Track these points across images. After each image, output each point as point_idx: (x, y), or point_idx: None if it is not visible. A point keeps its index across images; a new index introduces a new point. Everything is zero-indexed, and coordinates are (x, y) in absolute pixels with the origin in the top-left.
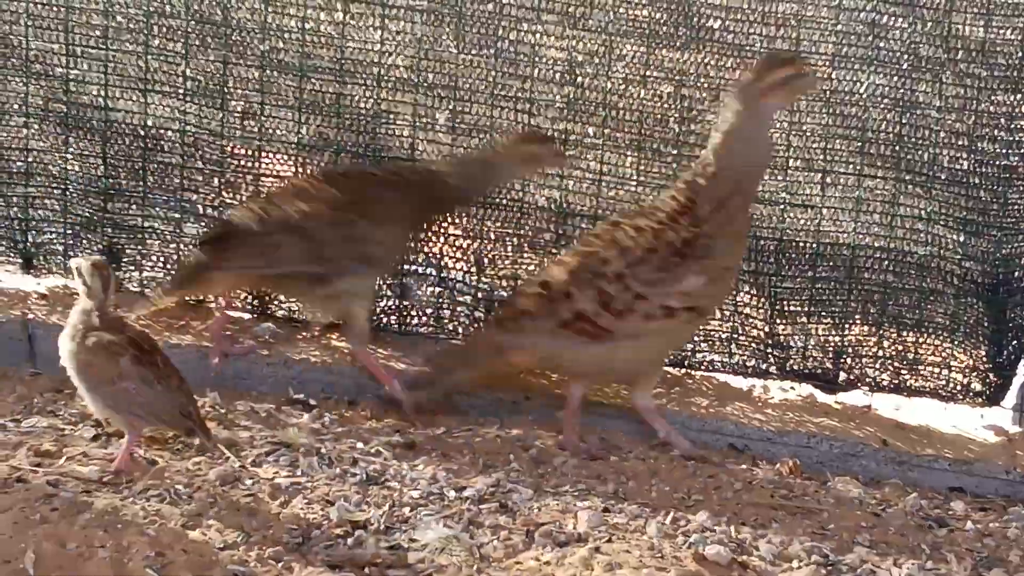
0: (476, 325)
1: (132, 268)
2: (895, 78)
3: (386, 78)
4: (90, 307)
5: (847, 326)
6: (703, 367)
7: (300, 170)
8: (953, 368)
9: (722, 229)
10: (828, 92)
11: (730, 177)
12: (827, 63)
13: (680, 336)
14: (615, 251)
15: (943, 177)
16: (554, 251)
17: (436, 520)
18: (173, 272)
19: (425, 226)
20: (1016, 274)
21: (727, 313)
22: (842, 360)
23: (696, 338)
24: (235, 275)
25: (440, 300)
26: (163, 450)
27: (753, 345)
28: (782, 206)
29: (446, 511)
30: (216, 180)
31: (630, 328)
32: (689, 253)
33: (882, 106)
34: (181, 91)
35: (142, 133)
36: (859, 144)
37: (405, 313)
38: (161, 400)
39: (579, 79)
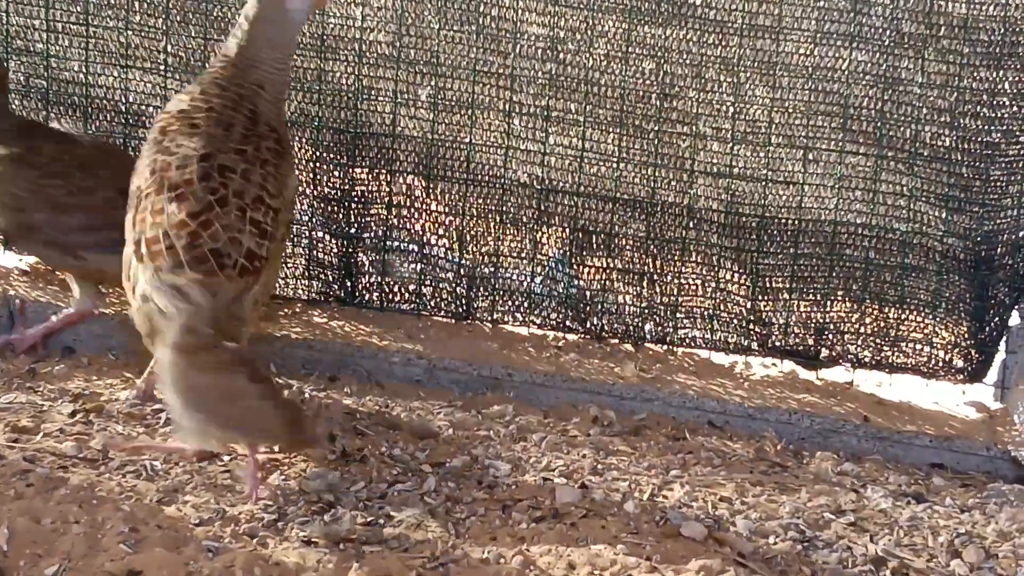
0: (457, 300)
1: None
2: (877, 54)
3: (367, 54)
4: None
5: (829, 303)
6: (685, 343)
7: None
8: (935, 344)
9: None
10: (810, 68)
11: None
12: (809, 39)
13: None
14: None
15: (925, 154)
16: (536, 227)
17: (413, 496)
18: None
19: None
20: (998, 251)
21: (709, 289)
22: (824, 336)
23: (678, 314)
24: None
25: (422, 276)
26: (139, 426)
27: (735, 322)
28: (764, 183)
29: (424, 487)
30: None
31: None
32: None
33: (864, 82)
34: (162, 67)
35: (123, 109)
36: (841, 121)
37: (387, 290)
38: (269, 414)
39: (561, 55)
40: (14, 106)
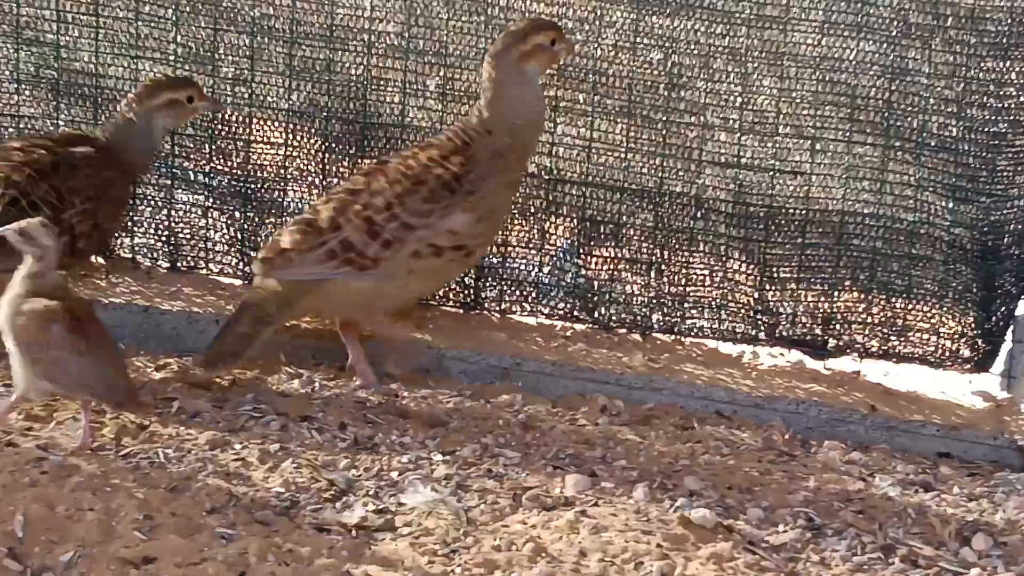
0: (465, 291)
1: (124, 234)
2: (885, 44)
3: (377, 44)
4: (38, 270)
5: (836, 292)
6: (693, 333)
7: (290, 136)
8: (942, 334)
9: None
10: (817, 59)
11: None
12: (816, 29)
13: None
14: (383, 181)
15: (932, 144)
16: (544, 217)
17: (424, 484)
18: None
19: None
20: (1005, 241)
21: (717, 279)
22: (831, 326)
23: (686, 304)
24: None
25: None
26: (152, 415)
27: (743, 311)
28: (772, 173)
29: (434, 475)
30: (207, 146)
31: (398, 262)
32: (458, 188)
33: (871, 73)
34: (172, 57)
35: None
36: (848, 111)
37: None
38: (88, 370)
39: None
40: (24, 96)
